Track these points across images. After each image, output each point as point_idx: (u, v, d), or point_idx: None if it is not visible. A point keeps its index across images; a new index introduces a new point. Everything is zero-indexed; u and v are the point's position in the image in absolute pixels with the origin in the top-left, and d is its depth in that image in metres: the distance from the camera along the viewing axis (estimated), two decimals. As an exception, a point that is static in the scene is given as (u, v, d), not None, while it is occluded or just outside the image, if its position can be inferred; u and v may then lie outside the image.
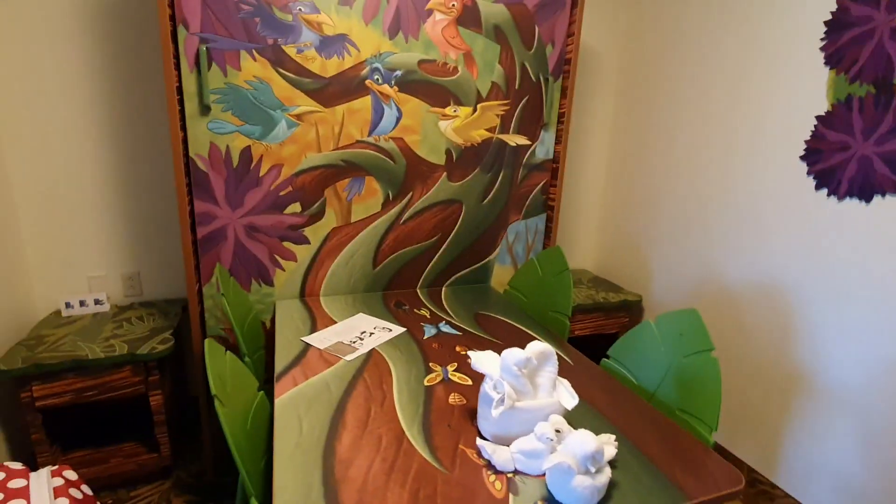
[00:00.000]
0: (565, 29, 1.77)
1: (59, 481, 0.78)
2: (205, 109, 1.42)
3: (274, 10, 1.42)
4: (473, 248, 1.87)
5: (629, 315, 2.22)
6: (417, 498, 0.80)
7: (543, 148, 1.87)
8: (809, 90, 1.50)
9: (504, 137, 1.80)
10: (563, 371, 1.24)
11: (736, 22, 1.73)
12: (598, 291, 2.22)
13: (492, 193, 1.84)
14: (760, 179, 1.67)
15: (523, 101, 1.79)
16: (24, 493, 0.74)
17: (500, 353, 0.99)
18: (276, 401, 1.06)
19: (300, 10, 1.44)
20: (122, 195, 1.73)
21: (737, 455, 1.81)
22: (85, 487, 0.81)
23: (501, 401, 0.92)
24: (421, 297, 1.74)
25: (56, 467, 0.81)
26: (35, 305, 1.70)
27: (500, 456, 0.89)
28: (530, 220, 1.94)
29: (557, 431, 0.87)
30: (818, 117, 1.48)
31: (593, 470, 0.79)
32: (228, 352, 0.99)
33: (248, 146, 1.49)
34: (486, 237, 1.88)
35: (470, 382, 1.18)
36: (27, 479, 0.77)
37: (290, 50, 1.46)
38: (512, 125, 1.80)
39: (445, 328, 1.48)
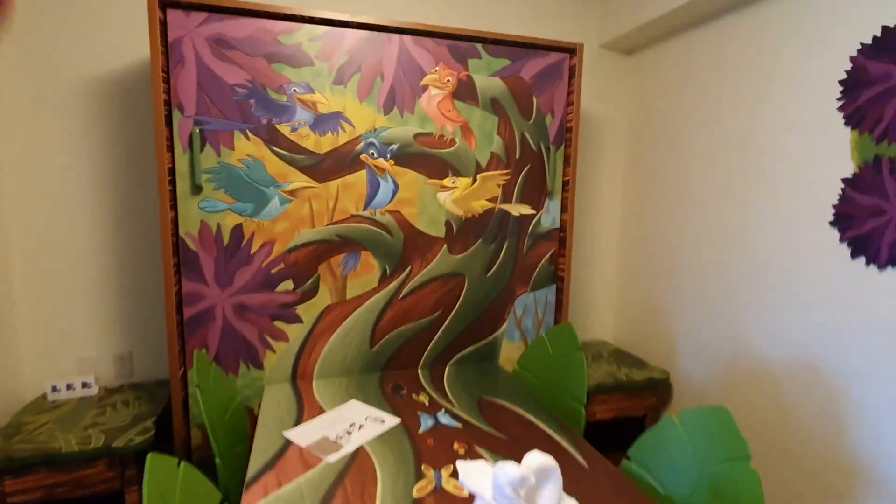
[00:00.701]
0: (564, 98, 1.74)
1: None
2: (196, 189, 1.40)
3: (268, 91, 1.43)
4: (478, 323, 1.75)
5: (657, 395, 2.02)
6: None
7: (549, 217, 1.79)
8: (832, 152, 1.39)
9: (506, 207, 1.73)
10: (576, 475, 1.08)
11: (745, 84, 1.67)
12: (620, 367, 2.03)
13: (496, 265, 1.74)
14: (788, 247, 1.53)
15: (525, 170, 1.73)
16: None
17: (500, 455, 0.85)
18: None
19: (295, 90, 1.45)
20: (115, 274, 1.71)
21: (794, 569, 1.53)
22: None
23: (491, 529, 0.77)
24: (421, 379, 1.61)
25: None
26: (23, 388, 1.64)
27: None
28: (539, 291, 1.82)
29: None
30: (845, 180, 1.36)
31: None
32: (183, 462, 0.88)
33: (240, 224, 1.46)
34: (491, 311, 1.76)
35: (465, 494, 1.02)
36: None
37: (285, 129, 1.46)
38: (514, 195, 1.73)
39: (444, 418, 1.33)
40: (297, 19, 1.43)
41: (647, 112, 2.14)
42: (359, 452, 1.16)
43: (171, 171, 1.39)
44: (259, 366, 1.53)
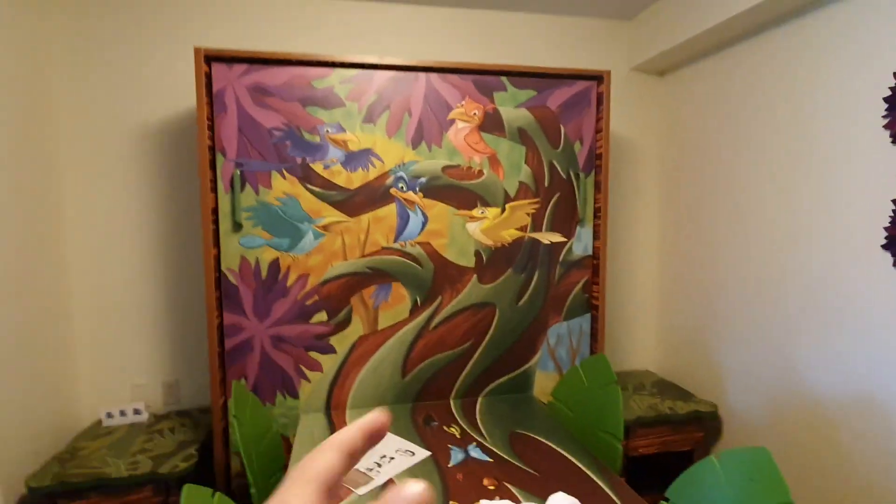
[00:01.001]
0: (593, 125, 1.74)
1: None
2: (237, 226, 1.49)
3: (303, 132, 1.51)
4: (511, 353, 1.74)
5: (704, 429, 1.90)
6: None
7: (581, 244, 1.77)
8: (880, 171, 1.31)
9: (537, 236, 1.72)
10: (608, 518, 1.03)
11: (785, 103, 1.61)
12: (664, 399, 1.94)
13: (527, 294, 1.73)
14: (839, 272, 1.44)
15: (554, 198, 1.73)
16: None
17: (531, 493, 0.83)
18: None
19: (327, 131, 1.53)
20: (164, 307, 1.82)
21: None
22: None
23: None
24: (453, 411, 1.60)
25: None
26: (80, 414, 1.76)
27: None
28: (573, 321, 1.78)
29: None
30: (897, 201, 1.27)
31: None
32: (218, 493, 0.91)
33: (277, 258, 1.53)
34: (524, 341, 1.74)
35: (491, 532, 1.00)
36: None
37: (318, 167, 1.53)
38: (544, 223, 1.73)
39: (475, 452, 1.32)
40: (329, 65, 1.52)
41: (683, 133, 2.10)
42: (388, 485, 1.16)
43: (215, 211, 1.48)
44: (295, 395, 1.57)
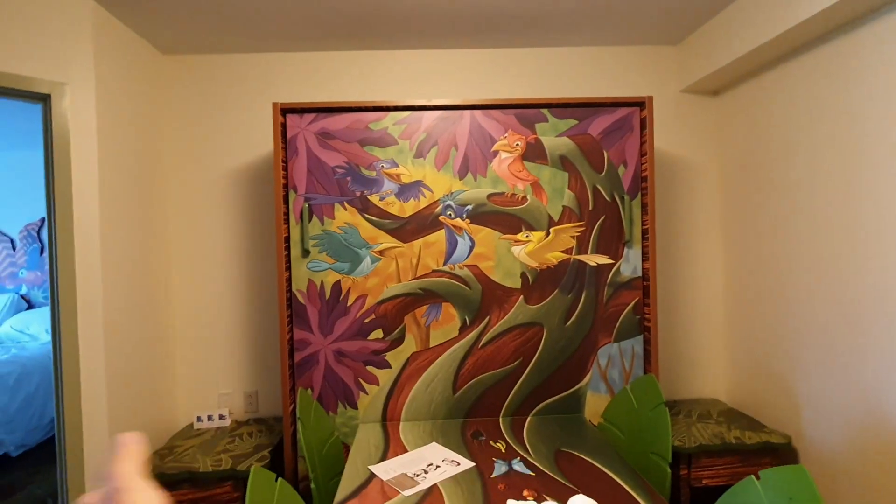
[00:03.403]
0: (637, 149, 1.77)
1: None
2: (305, 253, 1.69)
3: (361, 169, 1.71)
4: (560, 373, 1.76)
5: (777, 461, 1.78)
6: None
7: (629, 266, 1.78)
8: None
9: (583, 258, 1.76)
10: (644, 534, 1.04)
11: (843, 114, 1.55)
12: (731, 429, 1.84)
13: (575, 314, 1.76)
14: (915, 290, 1.34)
15: (599, 221, 1.77)
16: None
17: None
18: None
19: (382, 166, 1.71)
20: (246, 326, 2.07)
21: None
22: None
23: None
24: (502, 428, 1.65)
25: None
26: (177, 418, 2.03)
27: None
28: (624, 342, 1.78)
29: None
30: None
31: None
32: (280, 479, 1.05)
33: (339, 280, 1.71)
34: (573, 361, 1.77)
35: (524, 537, 1.04)
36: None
37: (374, 198, 1.71)
38: (590, 245, 1.77)
39: (518, 466, 1.36)
40: (384, 109, 1.71)
41: (741, 151, 2.05)
42: (433, 490, 1.24)
43: (287, 240, 1.70)
44: (354, 406, 1.71)
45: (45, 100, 1.59)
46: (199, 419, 1.95)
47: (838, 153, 1.58)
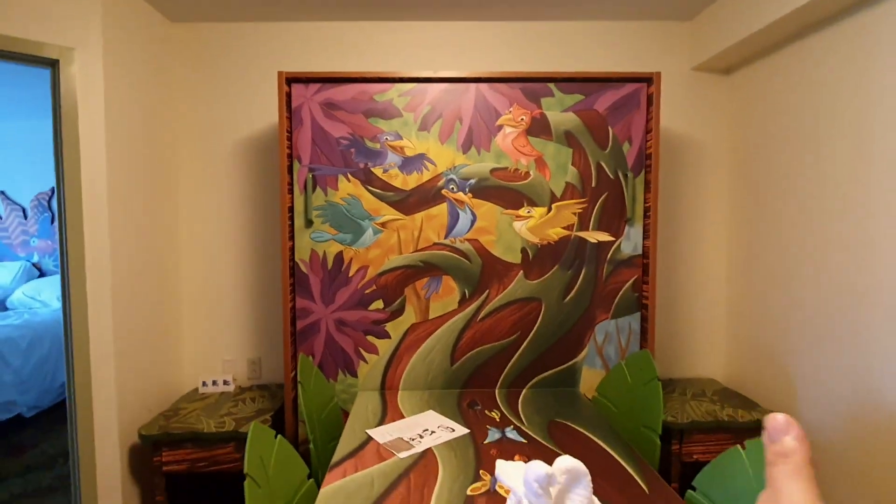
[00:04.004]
0: (643, 126, 1.76)
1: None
2: (308, 223, 1.71)
3: (366, 141, 1.71)
4: (557, 348, 1.79)
5: (767, 439, 1.80)
6: None
7: (630, 244, 1.78)
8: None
9: (583, 234, 1.77)
10: (636, 500, 1.07)
11: (857, 95, 1.53)
12: (724, 407, 1.86)
13: (574, 291, 1.78)
14: (915, 272, 1.33)
15: (602, 198, 1.77)
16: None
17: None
18: (321, 491, 1.11)
19: (386, 138, 1.71)
20: (249, 293, 2.11)
21: None
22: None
23: (519, 521, 0.83)
24: (497, 399, 1.68)
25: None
26: (183, 382, 2.08)
27: (514, 589, 0.78)
28: (621, 319, 1.80)
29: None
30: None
31: None
32: (279, 436, 1.09)
33: (341, 251, 1.73)
34: (570, 337, 1.79)
35: (513, 497, 1.08)
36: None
37: (378, 171, 1.72)
38: (591, 222, 1.77)
39: (511, 434, 1.40)
40: (389, 80, 1.70)
41: (752, 131, 2.02)
42: (427, 453, 1.28)
43: (291, 210, 1.72)
44: (354, 374, 1.75)
45: (53, 65, 1.60)
46: (203, 384, 2.00)
47: (852, 136, 1.55)
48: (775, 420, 0.28)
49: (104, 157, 1.64)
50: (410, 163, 1.72)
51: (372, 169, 1.72)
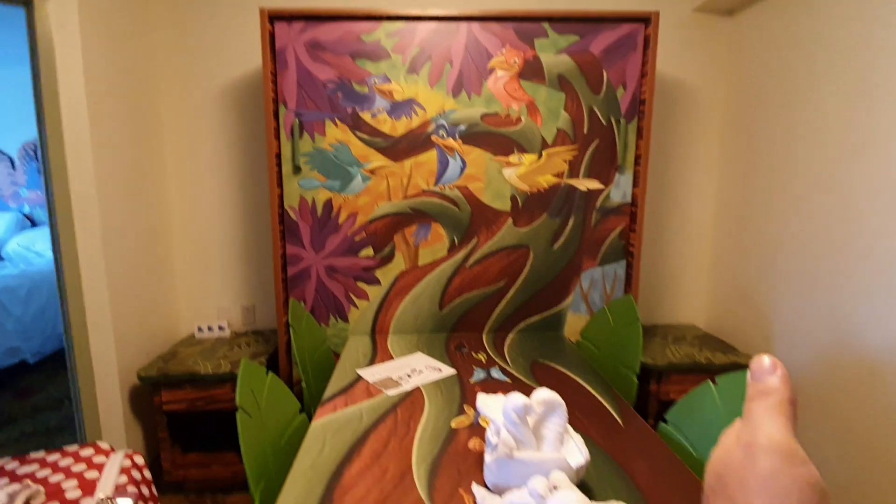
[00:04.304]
0: (638, 70, 1.71)
1: (127, 462, 0.98)
2: (296, 170, 1.70)
3: (353, 84, 1.66)
4: (544, 294, 1.83)
5: (742, 380, 1.89)
6: (396, 533, 0.81)
7: (619, 191, 1.78)
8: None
9: (573, 182, 1.76)
10: (610, 431, 1.13)
11: (858, 43, 1.48)
12: (703, 350, 1.93)
13: (562, 238, 1.80)
14: (897, 219, 1.35)
15: (593, 144, 1.75)
16: (101, 467, 0.95)
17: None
18: (312, 424, 1.16)
19: (374, 81, 1.66)
20: (243, 241, 2.11)
21: (890, 580, 1.36)
22: (146, 472, 0.99)
23: (496, 447, 0.88)
24: (484, 342, 1.74)
25: (130, 451, 1.02)
26: (179, 327, 2.13)
27: (490, 505, 0.85)
28: (608, 266, 1.82)
29: (555, 489, 0.80)
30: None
31: (574, 535, 0.71)
32: (271, 373, 1.14)
33: (330, 198, 1.72)
34: (557, 283, 1.82)
35: (494, 429, 1.14)
36: (108, 456, 0.99)
37: (366, 115, 1.68)
38: (582, 169, 1.76)
39: (496, 374, 1.46)
40: (377, 18, 1.64)
41: (749, 77, 1.98)
42: (414, 391, 1.34)
43: (278, 156, 1.70)
44: (345, 319, 1.80)
45: (27, 3, 1.53)
46: (199, 329, 2.05)
47: (849, 86, 1.52)
48: (761, 361, 0.28)
49: (85, 104, 1.60)
50: (399, 108, 1.69)
51: (360, 114, 1.68)
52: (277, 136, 1.69)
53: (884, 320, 1.41)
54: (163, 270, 2.03)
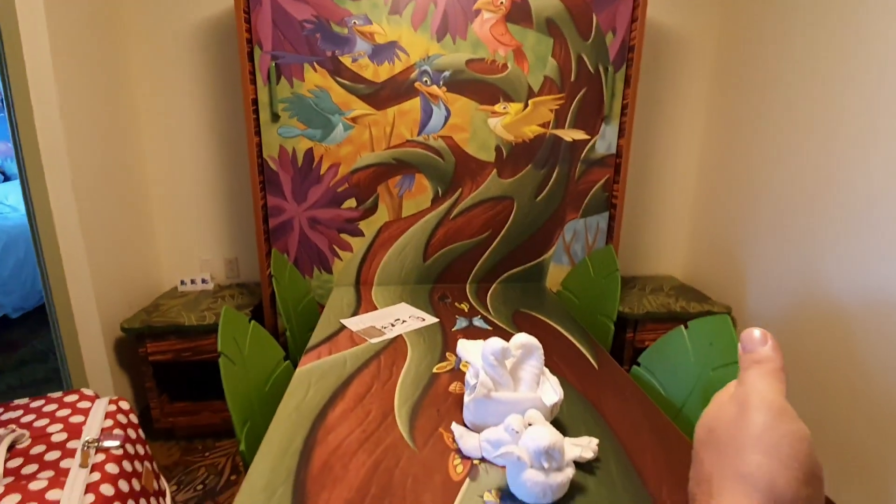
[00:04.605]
0: (629, 14, 1.66)
1: (112, 407, 0.99)
2: (275, 117, 1.64)
3: (332, 25, 1.58)
4: (526, 245, 1.84)
5: (715, 329, 1.96)
6: (378, 467, 0.85)
7: (604, 142, 1.76)
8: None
9: (559, 132, 1.74)
10: (585, 373, 1.17)
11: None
12: (678, 300, 1.99)
13: (546, 190, 1.79)
14: (876, 176, 1.37)
15: (580, 93, 1.71)
16: (86, 412, 0.96)
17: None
18: (297, 370, 1.18)
19: (354, 22, 1.58)
20: (225, 192, 2.07)
21: (839, 506, 1.48)
22: (132, 416, 1.01)
23: (475, 388, 0.91)
24: (467, 292, 1.76)
25: (115, 398, 1.03)
26: (161, 280, 2.12)
27: (468, 442, 0.89)
28: (590, 218, 1.83)
29: (530, 425, 0.83)
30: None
31: (546, 466, 0.75)
32: (253, 321, 1.14)
33: (311, 148, 1.68)
34: (540, 235, 1.83)
35: (474, 373, 1.17)
36: (93, 402, 1.00)
37: (346, 60, 1.61)
38: (568, 120, 1.73)
39: (478, 322, 1.48)
40: (355, -48, 1.54)
41: (741, 27, 1.93)
42: (397, 339, 1.36)
43: (255, 102, 1.63)
44: (329, 271, 1.80)
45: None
46: (182, 282, 2.04)
47: (858, 41, 1.49)
48: (752, 333, 0.29)
49: (48, 50, 1.49)
50: (381, 51, 1.62)
51: (340, 58, 1.61)
52: (253, 81, 1.61)
53: (847, 269, 1.46)
54: (141, 223, 1.99)
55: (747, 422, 0.26)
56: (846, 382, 1.47)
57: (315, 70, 1.62)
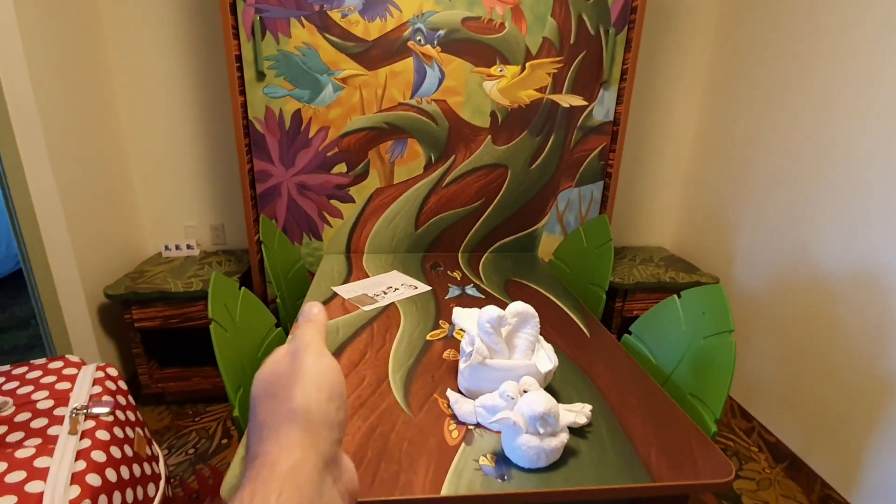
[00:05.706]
0: (631, -27, 1.59)
1: (100, 374, 0.97)
2: (260, 75, 1.56)
3: (319, -24, 1.49)
4: (520, 214, 1.82)
5: (702, 299, 1.99)
6: (374, 432, 0.85)
7: (602, 109, 1.73)
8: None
9: (556, 98, 1.69)
10: (577, 340, 1.18)
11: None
12: (668, 271, 2.01)
13: (541, 158, 1.76)
14: (867, 151, 1.36)
15: (579, 57, 1.66)
16: (72, 378, 0.94)
17: (483, 310, 0.97)
18: (288, 338, 1.17)
19: (343, -26, 1.49)
20: (209, 156, 1.99)
21: (811, 467, 1.55)
22: (121, 382, 1.00)
23: (471, 355, 0.91)
24: (459, 261, 1.75)
25: (102, 364, 1.01)
26: (145, 247, 2.06)
27: (463, 407, 0.89)
28: (584, 187, 1.82)
29: (525, 392, 0.84)
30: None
31: (541, 431, 0.75)
32: (244, 288, 1.12)
33: (299, 109, 1.61)
34: (533, 204, 1.81)
35: (468, 341, 1.17)
36: (79, 369, 0.98)
37: (335, 15, 1.53)
38: (565, 84, 1.68)
39: (471, 290, 1.48)
40: None
41: (740, -9, 1.87)
42: (390, 307, 1.35)
43: (239, 59, 1.55)
44: (319, 238, 1.76)
45: None
46: (166, 248, 1.99)
47: (858, 11, 1.45)
48: (311, 306, 0.36)
49: (13, 8, 1.39)
50: (372, 6, 1.54)
51: (328, 13, 1.53)
52: (237, 36, 1.53)
53: (830, 240, 1.48)
54: (121, 185, 1.91)
55: (299, 364, 0.30)
56: (823, 349, 1.51)
57: (302, 25, 1.53)
